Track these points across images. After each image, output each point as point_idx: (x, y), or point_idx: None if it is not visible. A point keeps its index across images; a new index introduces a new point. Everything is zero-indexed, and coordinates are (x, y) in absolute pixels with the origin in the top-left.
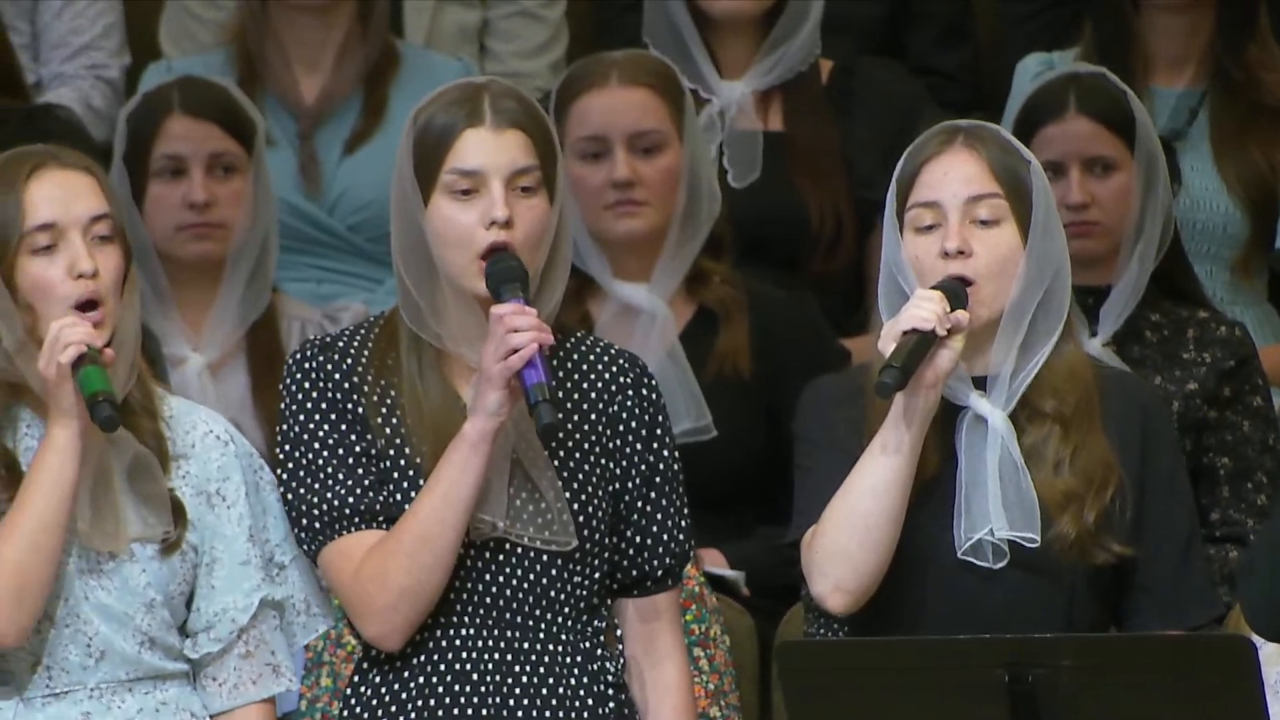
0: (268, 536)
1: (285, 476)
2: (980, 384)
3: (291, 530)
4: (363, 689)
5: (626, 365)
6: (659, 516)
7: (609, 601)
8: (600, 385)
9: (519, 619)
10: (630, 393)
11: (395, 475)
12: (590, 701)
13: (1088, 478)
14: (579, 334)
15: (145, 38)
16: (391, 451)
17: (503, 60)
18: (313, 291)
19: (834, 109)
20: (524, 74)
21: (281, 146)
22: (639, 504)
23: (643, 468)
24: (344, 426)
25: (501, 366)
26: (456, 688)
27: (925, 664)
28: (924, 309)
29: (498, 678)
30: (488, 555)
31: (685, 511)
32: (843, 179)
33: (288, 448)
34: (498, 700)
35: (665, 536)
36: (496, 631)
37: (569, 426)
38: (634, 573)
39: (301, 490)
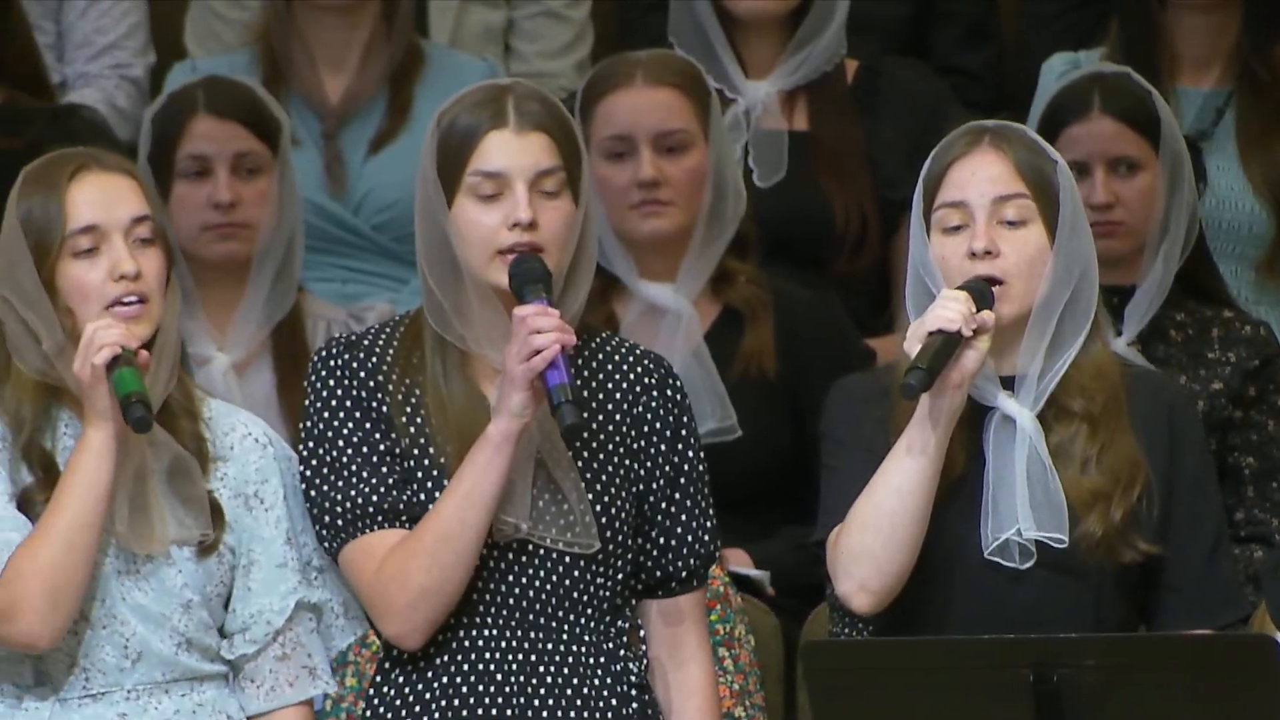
0: (305, 540)
1: (308, 474)
2: (1007, 384)
3: (313, 527)
4: (386, 689)
5: (651, 365)
6: (684, 517)
7: (633, 602)
8: (625, 386)
9: (542, 619)
10: (655, 393)
11: (419, 475)
12: (614, 702)
13: (1115, 476)
14: (604, 334)
15: (170, 38)
16: (415, 451)
17: (527, 60)
18: (338, 291)
19: (859, 109)
20: (549, 74)
21: (306, 146)
22: (664, 505)
23: (667, 468)
24: (368, 425)
25: (524, 368)
26: (480, 688)
27: (950, 664)
28: (950, 310)
29: (521, 678)
30: (511, 556)
31: (710, 512)
32: (867, 179)
33: (311, 445)
34: (521, 701)
35: (690, 537)
36: (520, 632)
37: (593, 426)
38: (658, 573)
39: (324, 488)
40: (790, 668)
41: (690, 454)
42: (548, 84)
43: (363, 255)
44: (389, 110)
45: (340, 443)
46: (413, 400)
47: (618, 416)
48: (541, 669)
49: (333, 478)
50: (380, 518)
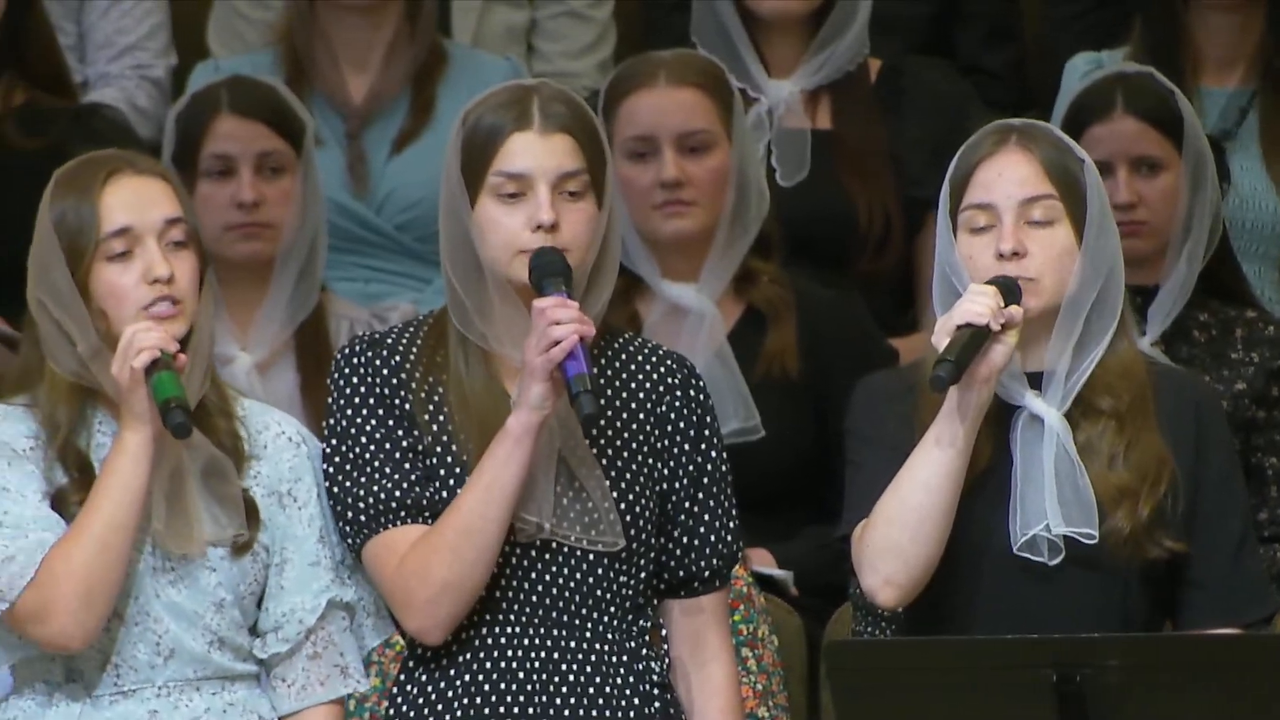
0: (338, 538)
1: (331, 470)
2: (1034, 380)
3: (336, 524)
4: (409, 687)
5: (675, 366)
6: (707, 517)
7: (655, 602)
8: (648, 386)
9: (565, 618)
10: (678, 393)
11: (441, 472)
12: (636, 701)
13: (1142, 473)
14: (627, 335)
15: (193, 38)
16: (438, 449)
17: (550, 60)
18: (361, 291)
19: (882, 108)
20: (571, 74)
21: (329, 146)
22: (687, 504)
23: (690, 468)
24: (391, 422)
25: (543, 359)
26: (502, 686)
27: (973, 664)
28: (978, 304)
29: (544, 676)
30: (534, 554)
31: (734, 512)
32: (891, 178)
33: (334, 441)
34: (543, 699)
35: (713, 537)
36: (543, 630)
37: (617, 425)
38: (681, 573)
39: (347, 483)
40: (813, 668)
41: (713, 454)
42: (570, 84)
43: (385, 255)
44: (412, 110)
45: (363, 439)
46: (436, 398)
47: (641, 416)
48: (564, 668)
49: (356, 473)
50: (403, 513)
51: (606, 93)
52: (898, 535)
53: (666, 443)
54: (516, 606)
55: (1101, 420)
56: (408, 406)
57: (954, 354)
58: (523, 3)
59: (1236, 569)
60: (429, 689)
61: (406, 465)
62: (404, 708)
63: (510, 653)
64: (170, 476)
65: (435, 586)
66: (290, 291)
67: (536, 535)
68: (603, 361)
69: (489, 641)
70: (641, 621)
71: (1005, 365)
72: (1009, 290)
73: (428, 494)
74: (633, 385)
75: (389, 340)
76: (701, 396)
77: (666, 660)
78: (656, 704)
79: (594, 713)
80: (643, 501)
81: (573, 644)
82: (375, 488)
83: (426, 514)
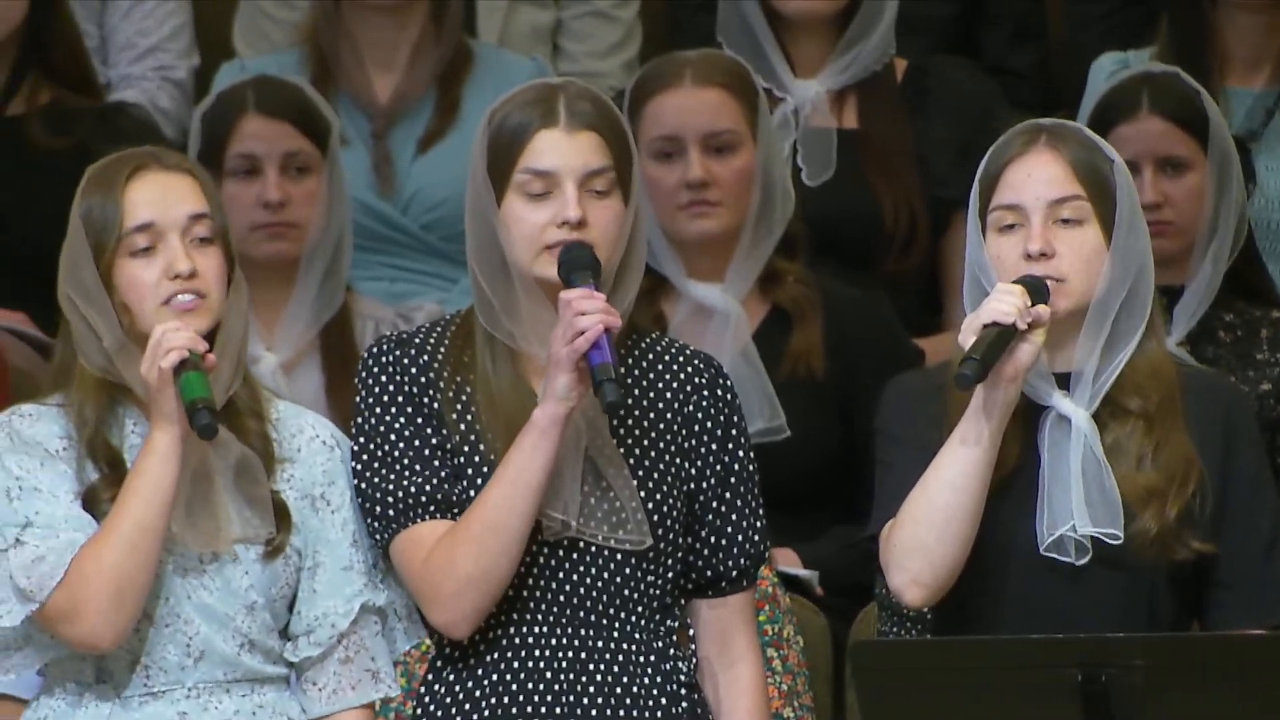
0: (370, 541)
1: (359, 467)
2: (1063, 381)
3: (365, 520)
4: (437, 687)
5: (701, 365)
6: (734, 517)
7: (682, 601)
8: (675, 385)
9: (592, 617)
10: (705, 393)
11: (469, 471)
12: (663, 701)
13: (1169, 473)
14: (653, 334)
15: (218, 37)
16: (466, 447)
17: (576, 60)
18: (386, 290)
19: (908, 108)
20: (597, 74)
21: (355, 146)
22: (714, 504)
23: (718, 468)
24: (419, 420)
25: (569, 349)
26: (530, 685)
27: (998, 664)
28: (1005, 303)
29: (571, 676)
30: (561, 553)
31: (760, 512)
32: (916, 178)
33: (362, 440)
34: (570, 699)
35: (740, 537)
36: (570, 630)
37: (644, 424)
38: (708, 573)
39: (375, 480)
40: (839, 668)
41: (740, 454)
42: (596, 84)
43: (411, 254)
44: (437, 110)
45: (392, 436)
46: (463, 397)
47: (668, 416)
48: (591, 667)
49: (384, 470)
50: (432, 507)
51: (632, 93)
52: (924, 534)
53: (694, 442)
54: (544, 606)
55: (1130, 421)
56: (436, 405)
57: (979, 352)
58: (548, 2)
59: (1265, 569)
60: (456, 689)
61: (435, 462)
62: (431, 707)
63: (538, 652)
64: (194, 475)
65: (461, 580)
66: (315, 291)
67: (563, 533)
68: (630, 361)
69: (516, 641)
70: (669, 621)
71: (1032, 364)
72: (1036, 290)
73: (455, 491)
74: (660, 385)
75: (417, 340)
76: (729, 396)
77: (694, 660)
78: (684, 704)
79: (621, 712)
80: (670, 501)
81: (600, 644)
82: (404, 483)
83: (454, 510)
